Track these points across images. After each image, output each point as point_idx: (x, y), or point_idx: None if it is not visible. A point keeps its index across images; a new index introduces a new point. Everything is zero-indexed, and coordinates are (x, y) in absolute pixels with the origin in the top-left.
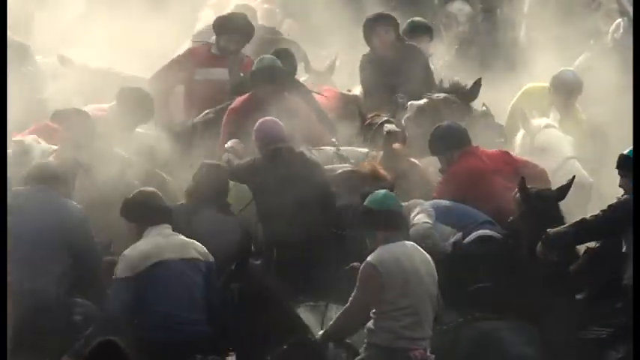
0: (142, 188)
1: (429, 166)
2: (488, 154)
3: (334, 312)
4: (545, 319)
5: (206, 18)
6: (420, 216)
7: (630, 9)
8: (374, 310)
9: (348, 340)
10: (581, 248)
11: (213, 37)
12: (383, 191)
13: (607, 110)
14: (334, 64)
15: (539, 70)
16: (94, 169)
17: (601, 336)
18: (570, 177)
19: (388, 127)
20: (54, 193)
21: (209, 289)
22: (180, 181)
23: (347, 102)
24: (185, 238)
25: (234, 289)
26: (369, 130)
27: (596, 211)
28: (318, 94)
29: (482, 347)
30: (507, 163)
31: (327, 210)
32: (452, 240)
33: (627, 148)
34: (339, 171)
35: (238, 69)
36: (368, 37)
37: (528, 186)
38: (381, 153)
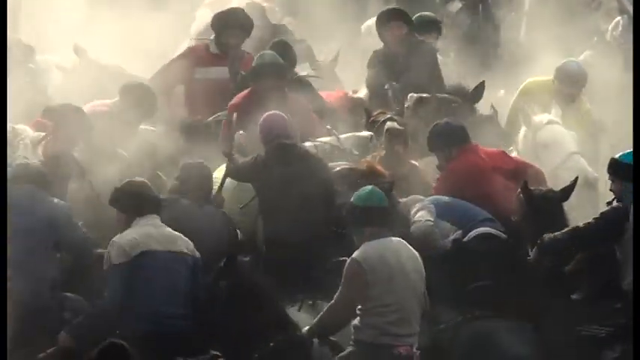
0: (131, 179)
1: (429, 167)
2: (488, 152)
3: None
4: (544, 318)
5: (203, 17)
6: (421, 213)
7: (630, 7)
8: (359, 307)
9: (333, 338)
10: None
11: (212, 36)
12: (369, 187)
13: (608, 108)
14: (338, 56)
15: (540, 70)
16: (92, 167)
17: (600, 335)
18: (574, 172)
19: (390, 124)
20: (41, 192)
21: (194, 285)
22: None
23: (354, 105)
24: (173, 232)
25: (222, 286)
26: (372, 128)
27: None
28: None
29: (479, 347)
30: (506, 161)
31: (328, 208)
32: (452, 237)
33: (618, 153)
34: (338, 168)
35: (238, 66)
36: (381, 32)
37: (531, 187)
38: (383, 153)
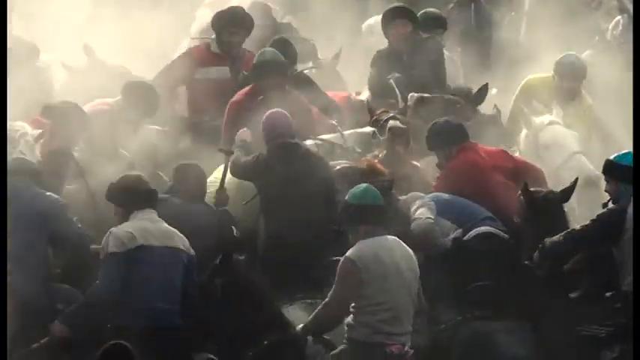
0: (126, 173)
1: (429, 167)
2: (487, 151)
3: None
4: (544, 318)
5: (203, 17)
6: (421, 210)
7: (630, 6)
8: (353, 305)
9: (326, 337)
10: None
11: (213, 36)
12: (363, 185)
13: (609, 107)
14: (339, 54)
15: (540, 70)
16: (93, 167)
17: (599, 335)
18: (576, 172)
19: (392, 123)
20: (34, 186)
21: (188, 282)
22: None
23: (356, 108)
24: (170, 227)
25: (217, 284)
26: (375, 126)
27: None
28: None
29: (479, 347)
30: (506, 160)
31: (329, 207)
32: (452, 236)
33: (614, 154)
34: (338, 167)
35: (239, 65)
36: (386, 31)
37: (532, 189)
38: (384, 152)
